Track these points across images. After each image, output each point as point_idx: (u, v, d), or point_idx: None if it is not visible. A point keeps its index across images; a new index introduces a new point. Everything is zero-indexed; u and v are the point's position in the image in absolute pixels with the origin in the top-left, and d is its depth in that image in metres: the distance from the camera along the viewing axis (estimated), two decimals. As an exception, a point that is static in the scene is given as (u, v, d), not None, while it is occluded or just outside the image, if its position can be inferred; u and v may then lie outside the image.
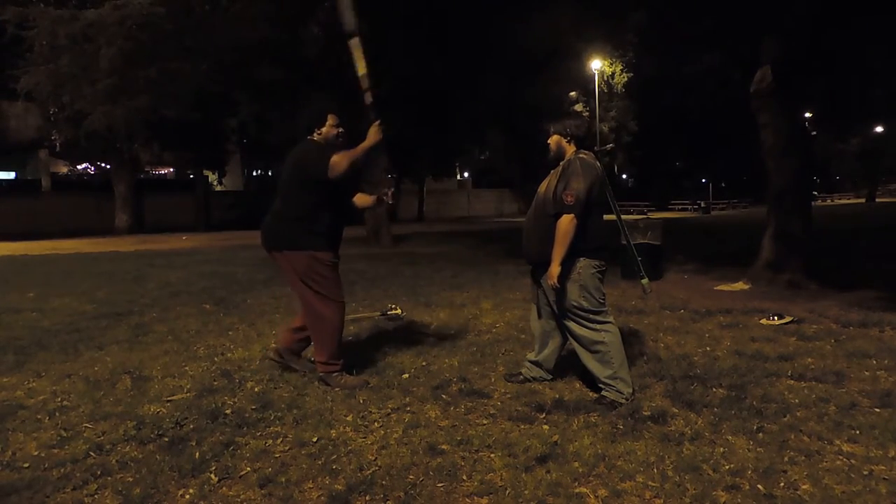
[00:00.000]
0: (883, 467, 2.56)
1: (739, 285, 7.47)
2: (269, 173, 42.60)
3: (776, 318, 5.37)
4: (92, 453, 2.82)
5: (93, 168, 31.89)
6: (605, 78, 30.85)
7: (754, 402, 3.30)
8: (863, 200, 44.28)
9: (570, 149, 3.50)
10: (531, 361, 3.75)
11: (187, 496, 2.44)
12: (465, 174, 47.23)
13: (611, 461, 2.64)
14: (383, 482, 2.51)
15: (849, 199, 51.92)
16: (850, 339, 4.70)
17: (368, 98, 3.66)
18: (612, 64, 29.80)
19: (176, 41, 11.80)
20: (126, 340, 5.09)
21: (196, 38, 11.92)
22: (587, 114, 30.26)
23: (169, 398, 3.56)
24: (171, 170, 35.58)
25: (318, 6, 13.00)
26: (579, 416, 3.16)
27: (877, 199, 43.87)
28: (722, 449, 2.75)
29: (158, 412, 3.34)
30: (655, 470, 2.56)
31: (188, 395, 3.62)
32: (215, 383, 3.82)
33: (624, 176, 50.20)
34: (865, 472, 2.51)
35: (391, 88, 14.08)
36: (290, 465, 2.69)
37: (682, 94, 25.80)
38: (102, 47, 11.22)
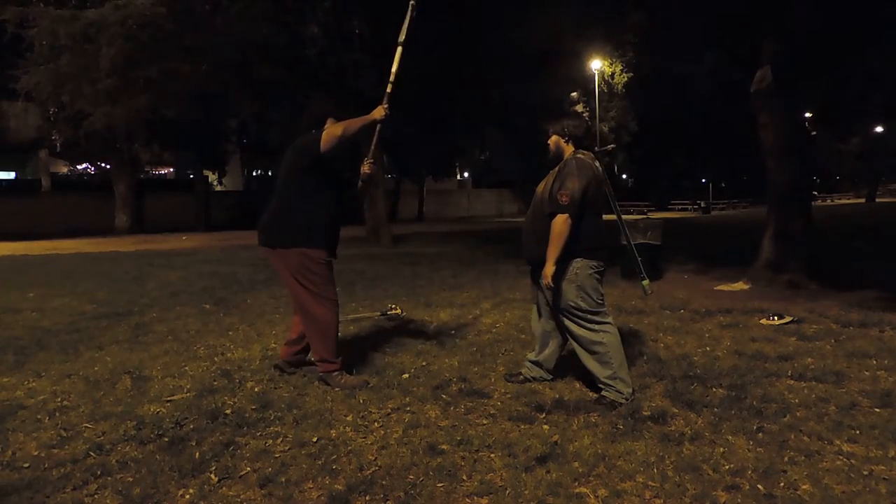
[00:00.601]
0: (883, 467, 2.56)
1: (739, 285, 7.47)
2: (269, 173, 42.57)
3: (776, 318, 5.37)
4: (92, 453, 2.82)
5: (93, 168, 31.90)
6: (605, 78, 30.82)
7: (754, 402, 3.30)
8: (863, 200, 44.28)
9: (569, 149, 3.50)
10: (531, 361, 3.75)
11: (187, 496, 2.44)
12: (465, 174, 47.22)
13: (611, 461, 2.64)
14: (383, 482, 2.51)
15: (849, 199, 51.94)
16: (850, 339, 4.70)
17: (389, 88, 3.76)
18: (612, 64, 29.78)
19: (176, 41, 11.80)
20: (126, 340, 5.09)
21: (196, 38, 11.93)
22: (587, 114, 30.26)
23: (169, 398, 3.56)
24: (171, 170, 35.61)
25: (318, 6, 13.01)
26: (579, 416, 3.16)
27: (877, 199, 43.87)
28: (722, 449, 2.75)
29: (158, 412, 3.34)
30: (655, 470, 2.56)
31: (188, 395, 3.62)
32: (215, 383, 3.82)
33: (624, 176, 50.17)
34: (865, 472, 2.52)
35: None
36: (290, 465, 2.69)
37: (683, 94, 25.78)
38: (103, 47, 11.21)
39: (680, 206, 41.19)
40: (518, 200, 41.10)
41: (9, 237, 20.58)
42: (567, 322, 3.45)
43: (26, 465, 2.74)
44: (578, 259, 3.35)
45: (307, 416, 3.23)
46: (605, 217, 3.57)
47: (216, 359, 4.43)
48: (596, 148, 3.74)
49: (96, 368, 4.23)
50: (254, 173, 42.78)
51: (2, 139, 25.05)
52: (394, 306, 6.07)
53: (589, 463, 2.62)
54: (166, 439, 2.97)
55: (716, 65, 13.11)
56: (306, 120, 3.82)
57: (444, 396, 3.50)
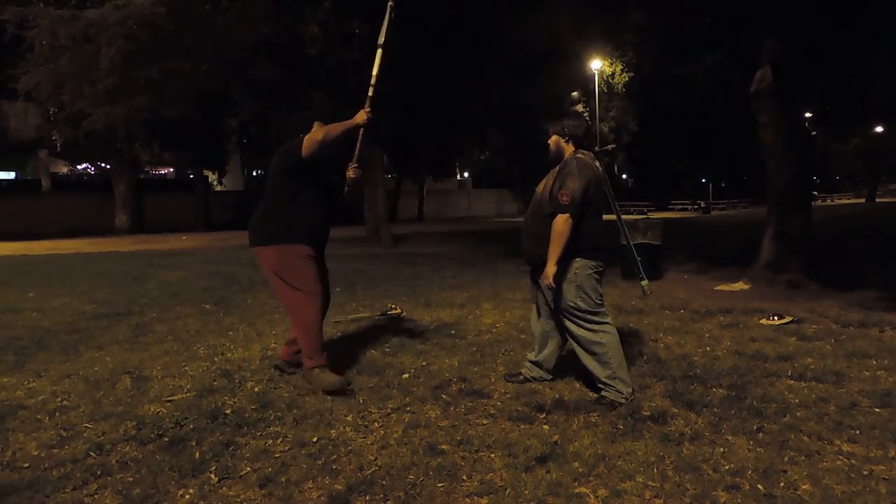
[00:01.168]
0: (883, 467, 2.56)
1: (739, 285, 7.47)
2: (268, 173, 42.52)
3: (776, 318, 5.37)
4: (92, 453, 2.82)
5: (93, 168, 31.89)
6: (605, 78, 30.82)
7: (754, 402, 3.30)
8: (863, 200, 44.28)
9: (569, 149, 3.50)
10: (531, 361, 3.75)
11: (187, 496, 2.44)
12: (465, 174, 47.23)
13: (611, 461, 2.64)
14: (383, 482, 2.51)
15: (849, 199, 51.94)
16: (850, 339, 4.70)
17: (371, 92, 3.75)
18: (612, 64, 29.78)
19: (176, 41, 11.80)
20: (126, 340, 5.09)
21: (196, 38, 11.93)
22: (587, 114, 30.25)
23: (169, 398, 3.56)
24: (171, 170, 35.58)
25: (318, 6, 13.01)
26: (579, 416, 3.16)
27: (877, 199, 43.87)
28: (722, 449, 2.75)
29: (158, 412, 3.33)
30: (655, 470, 2.56)
31: (188, 395, 3.62)
32: (215, 383, 3.82)
33: (624, 176, 50.17)
34: (865, 472, 2.52)
35: (392, 88, 14.09)
36: (290, 465, 2.69)
37: (683, 94, 25.77)
38: (103, 47, 11.21)
39: (680, 206, 41.21)
40: (518, 200, 41.10)
41: (9, 237, 20.58)
42: (566, 322, 3.45)
43: (26, 465, 2.74)
44: (578, 259, 3.35)
45: (307, 416, 3.23)
46: (604, 217, 3.57)
47: (216, 359, 4.43)
48: (596, 148, 3.74)
49: (96, 368, 4.23)
50: (254, 173, 42.77)
51: (2, 139, 25.06)
52: (394, 306, 6.07)
53: (589, 463, 2.62)
54: (166, 439, 2.97)
55: (716, 65, 13.12)
56: (293, 125, 3.85)
57: (444, 396, 3.50)
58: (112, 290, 7.93)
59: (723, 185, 51.25)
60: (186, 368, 4.19)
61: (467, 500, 2.38)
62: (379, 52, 3.83)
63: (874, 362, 4.04)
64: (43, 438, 3.02)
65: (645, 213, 30.07)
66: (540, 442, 2.83)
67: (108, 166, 27.01)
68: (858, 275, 7.77)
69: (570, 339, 3.52)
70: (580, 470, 2.57)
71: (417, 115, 17.69)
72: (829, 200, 49.21)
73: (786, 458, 2.65)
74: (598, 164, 3.48)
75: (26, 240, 19.93)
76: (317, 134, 3.49)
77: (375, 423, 3.13)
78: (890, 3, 6.88)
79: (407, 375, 3.90)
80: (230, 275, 9.34)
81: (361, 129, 3.64)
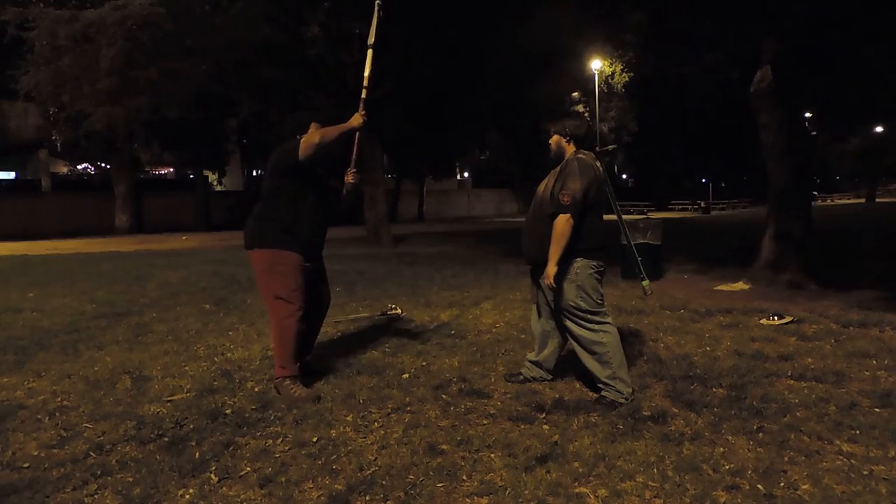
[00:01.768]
0: (883, 467, 2.56)
1: (739, 285, 7.47)
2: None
3: (776, 318, 5.37)
4: (92, 453, 2.82)
5: (93, 168, 31.90)
6: (605, 78, 30.83)
7: (754, 402, 3.30)
8: (863, 200, 44.28)
9: (570, 149, 3.50)
10: (531, 361, 3.75)
11: (187, 496, 2.44)
12: (465, 174, 47.23)
13: (611, 461, 2.64)
14: (383, 482, 2.51)
15: (849, 199, 51.94)
16: (850, 339, 4.70)
17: (364, 94, 3.75)
18: (612, 64, 29.77)
19: (176, 41, 11.81)
20: (126, 340, 5.09)
21: (196, 38, 11.94)
22: (588, 114, 30.26)
23: (169, 398, 3.56)
24: (171, 170, 35.58)
25: (318, 6, 13.01)
26: (579, 416, 3.16)
27: (877, 199, 43.88)
28: (722, 449, 2.75)
29: (158, 412, 3.33)
30: (655, 470, 2.56)
31: (188, 395, 3.62)
32: (215, 383, 3.82)
33: (624, 176, 50.20)
34: (865, 472, 2.52)
35: (392, 88, 14.09)
36: (290, 465, 2.69)
37: (682, 94, 25.79)
38: (103, 48, 11.22)
39: (680, 206, 41.16)
40: (518, 200, 41.10)
41: (9, 237, 20.59)
42: (567, 322, 3.45)
43: (26, 465, 2.74)
44: (579, 259, 3.35)
45: (307, 416, 3.23)
46: (605, 217, 3.57)
47: (216, 359, 4.43)
48: (597, 148, 3.74)
49: (96, 368, 4.23)
50: (254, 173, 42.74)
51: (2, 139, 25.06)
52: (394, 306, 6.07)
53: (589, 463, 2.62)
54: (166, 439, 2.97)
55: (716, 65, 13.11)
56: (290, 125, 3.84)
57: (444, 396, 3.50)
58: (112, 290, 7.93)
59: (723, 185, 51.24)
60: (186, 368, 4.19)
61: (467, 500, 2.38)
62: (369, 52, 3.82)
63: (874, 362, 4.04)
64: (43, 438, 3.02)
65: (645, 213, 30.07)
66: (540, 442, 2.83)
67: (108, 166, 27.02)
68: (858, 275, 7.77)
69: (570, 338, 3.52)
70: (580, 470, 2.57)
71: (417, 115, 17.69)
72: (829, 200, 49.21)
73: (786, 458, 2.65)
74: (598, 164, 3.48)
75: (26, 240, 19.93)
76: (313, 137, 3.47)
77: (375, 423, 3.13)
78: (890, 3, 6.87)
79: (407, 375, 3.90)
80: (230, 275, 9.34)
81: (358, 133, 3.62)
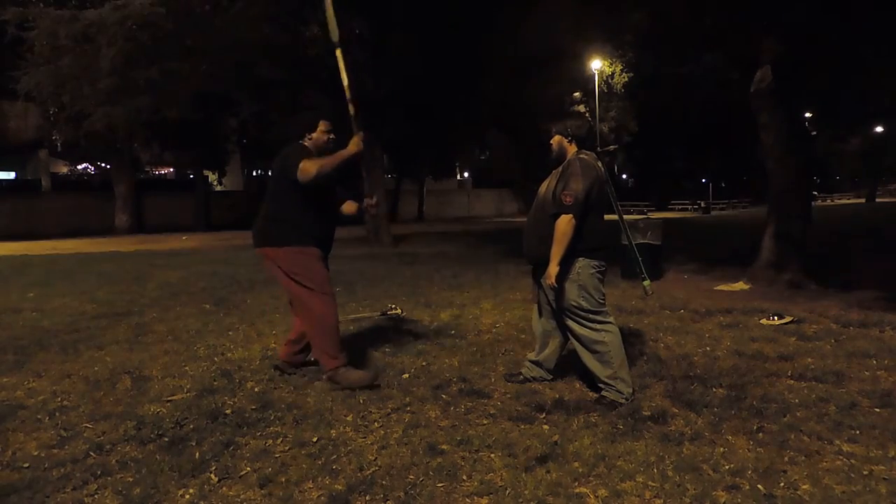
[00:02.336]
0: (883, 467, 2.56)
1: (739, 285, 7.47)
2: (269, 173, 42.51)
3: (776, 318, 5.37)
4: (92, 453, 2.82)
5: (93, 168, 31.89)
6: (605, 78, 30.81)
7: (754, 402, 3.30)
8: (863, 200, 44.26)
9: (572, 149, 3.51)
10: (531, 361, 3.76)
11: (187, 496, 2.44)
12: (465, 174, 47.20)
13: (611, 461, 2.64)
14: (383, 482, 2.51)
15: (849, 199, 51.91)
16: (850, 339, 4.70)
17: (352, 108, 3.72)
18: (612, 64, 29.76)
19: (176, 41, 11.79)
20: (126, 340, 5.09)
21: (196, 38, 11.92)
22: (588, 114, 30.25)
23: (169, 398, 3.56)
24: (171, 170, 35.57)
25: (318, 6, 12.99)
26: (579, 416, 3.16)
27: (877, 199, 43.86)
28: (722, 449, 2.75)
29: (158, 412, 3.33)
30: (655, 470, 2.56)
31: (188, 395, 3.62)
32: (215, 383, 3.82)
33: (624, 176, 50.18)
34: (865, 472, 2.52)
35: (392, 88, 14.08)
36: (290, 465, 2.69)
37: (682, 94, 25.75)
38: (103, 47, 11.20)
39: (680, 206, 41.16)
40: (518, 200, 41.07)
41: (9, 237, 20.59)
42: (569, 321, 3.45)
43: (26, 465, 2.74)
44: (581, 259, 3.36)
45: (307, 416, 3.23)
46: (606, 217, 3.58)
47: (216, 359, 4.43)
48: (598, 148, 3.74)
49: (96, 368, 4.23)
50: (254, 173, 42.74)
51: (2, 139, 25.05)
52: (394, 306, 6.07)
53: (589, 463, 2.62)
54: (166, 439, 2.97)
55: (716, 65, 13.12)
56: (296, 124, 3.83)
57: (444, 396, 3.50)
58: (112, 290, 7.93)
59: (723, 185, 51.22)
60: (186, 368, 4.19)
61: (467, 500, 2.38)
62: (339, 52, 3.76)
63: (874, 362, 4.04)
64: (43, 438, 3.02)
65: (645, 213, 30.05)
66: (540, 442, 2.83)
67: (108, 166, 27.01)
68: (858, 275, 7.77)
69: (572, 338, 3.52)
70: (580, 470, 2.57)
71: (417, 114, 17.68)
72: (829, 200, 49.18)
73: (786, 458, 2.65)
74: (600, 164, 3.48)
75: (26, 240, 19.93)
76: (311, 168, 3.45)
77: (375, 423, 3.13)
78: (890, 2, 6.87)
79: (407, 375, 3.90)
80: (230, 275, 9.34)
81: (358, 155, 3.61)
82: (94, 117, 13.58)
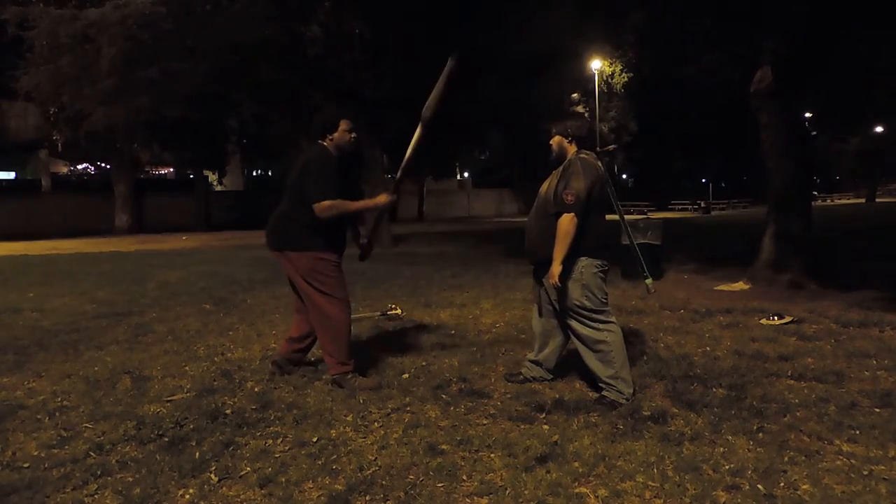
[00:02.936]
0: (883, 467, 2.56)
1: (739, 285, 7.47)
2: (269, 173, 42.58)
3: (776, 318, 5.37)
4: (92, 453, 2.82)
5: (93, 168, 31.89)
6: (605, 78, 30.83)
7: (754, 402, 3.30)
8: (863, 200, 44.25)
9: (572, 149, 3.53)
10: (531, 361, 3.76)
11: (187, 496, 2.44)
12: (465, 174, 47.21)
13: (611, 461, 2.64)
14: (383, 482, 2.51)
15: (849, 199, 51.90)
16: (850, 339, 4.70)
17: (400, 173, 3.89)
18: (612, 64, 29.78)
19: (176, 41, 11.79)
20: (126, 340, 5.09)
21: (196, 38, 11.92)
22: (587, 114, 30.24)
23: (169, 398, 3.56)
24: (171, 170, 35.58)
25: (318, 6, 13.01)
26: (579, 416, 3.16)
27: (877, 199, 43.85)
28: (722, 449, 2.75)
29: (158, 412, 3.34)
30: (655, 470, 2.56)
31: (188, 395, 3.62)
32: (215, 383, 3.83)
33: (624, 176, 50.16)
34: (865, 472, 2.51)
35: (392, 88, 14.08)
36: (290, 465, 2.69)
37: (682, 94, 25.78)
38: (103, 47, 11.21)
39: (680, 206, 41.12)
40: (518, 200, 41.07)
41: (9, 237, 20.59)
42: (571, 321, 3.46)
43: (26, 465, 2.74)
44: (583, 258, 3.37)
45: (307, 416, 3.23)
46: (607, 217, 3.58)
47: (216, 359, 4.43)
48: (598, 148, 3.76)
49: (96, 368, 4.23)
50: (254, 173, 42.78)
51: (2, 139, 25.07)
52: (394, 306, 6.07)
53: (589, 463, 2.62)
54: (166, 439, 2.97)
55: (716, 65, 13.10)
56: (316, 126, 3.79)
57: (444, 396, 3.50)
58: (112, 290, 7.94)
59: (723, 185, 51.23)
60: (186, 368, 4.19)
61: (467, 500, 2.38)
62: (420, 128, 3.88)
63: (874, 362, 4.04)
64: (43, 438, 3.02)
65: (645, 213, 30.06)
66: (540, 442, 2.83)
67: (108, 166, 27.01)
68: (858, 275, 7.77)
69: (574, 337, 3.52)
70: (580, 470, 2.57)
71: (417, 115, 17.69)
72: (829, 200, 49.14)
73: (786, 458, 2.65)
74: (600, 163, 3.50)
75: (26, 240, 19.93)
76: (329, 210, 3.51)
77: (375, 423, 3.13)
78: (890, 3, 6.87)
79: (407, 375, 3.90)
80: (230, 275, 9.34)
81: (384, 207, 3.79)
82: (94, 117, 13.57)
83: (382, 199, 3.72)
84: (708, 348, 4.48)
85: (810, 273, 7.32)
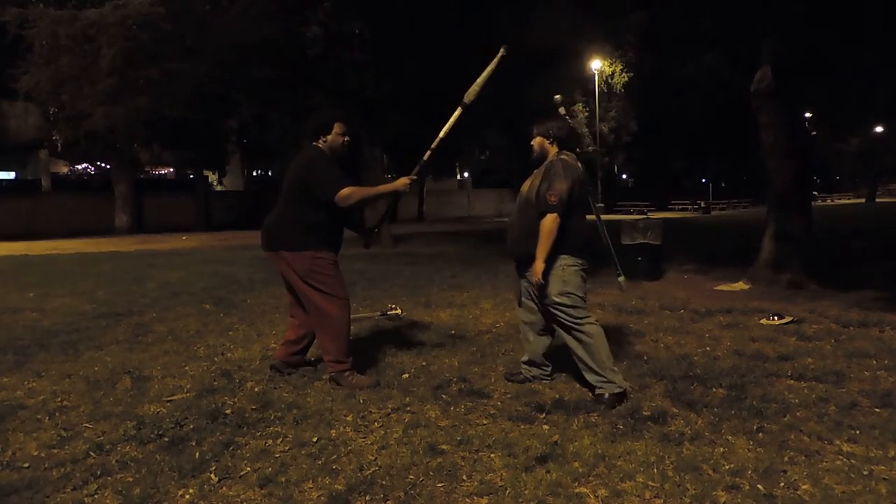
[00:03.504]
0: (883, 467, 2.56)
1: (739, 285, 7.47)
2: (269, 173, 42.57)
3: (776, 318, 5.37)
4: (92, 453, 2.82)
5: (93, 168, 31.87)
6: (605, 78, 30.82)
7: (754, 402, 3.30)
8: (863, 200, 44.25)
9: (553, 150, 3.63)
10: (524, 362, 3.81)
11: (187, 496, 2.44)
12: (465, 174, 47.20)
13: (611, 461, 2.64)
14: (383, 482, 2.51)
15: (849, 199, 51.91)
16: (850, 339, 4.70)
17: (427, 156, 3.88)
18: (612, 64, 29.77)
19: (176, 41, 11.80)
20: (126, 340, 5.09)
21: (196, 38, 11.92)
22: (587, 114, 30.23)
23: (169, 398, 3.56)
24: (171, 170, 35.57)
25: (318, 6, 13.00)
26: (579, 416, 3.16)
27: (877, 199, 43.84)
28: (722, 449, 2.75)
29: (158, 412, 3.34)
30: (655, 470, 2.56)
31: (188, 395, 3.62)
32: (215, 383, 3.83)
33: (624, 176, 50.17)
34: (865, 472, 2.51)
35: (391, 88, 14.07)
36: (290, 465, 2.69)
37: (682, 94, 25.73)
38: (103, 47, 11.21)
39: (680, 206, 41.11)
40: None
41: (9, 237, 20.59)
42: (553, 314, 3.53)
43: (26, 465, 2.74)
44: (565, 256, 3.46)
45: (307, 416, 3.23)
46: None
47: (216, 359, 4.43)
48: (578, 150, 3.83)
49: (96, 368, 4.23)
50: (254, 173, 42.74)
51: (2, 139, 25.04)
52: (394, 306, 6.07)
53: (589, 463, 2.62)
54: (166, 439, 2.97)
55: (716, 65, 13.10)
56: (311, 126, 3.80)
57: (444, 396, 3.50)
58: (112, 290, 7.93)
59: (723, 185, 51.23)
60: (186, 368, 4.19)
61: (467, 500, 2.38)
62: (459, 109, 3.91)
63: (874, 362, 4.04)
64: (43, 438, 3.02)
65: (645, 213, 30.06)
66: (540, 442, 2.83)
67: (108, 166, 27.00)
68: (858, 275, 7.77)
69: (560, 330, 3.57)
70: (580, 470, 2.57)
71: (417, 115, 17.68)
72: (829, 200, 49.14)
73: (786, 458, 2.65)
74: (580, 164, 3.57)
75: (26, 240, 19.93)
76: (351, 198, 3.52)
77: (375, 423, 3.13)
78: (890, 3, 6.87)
79: (407, 375, 3.90)
80: (230, 275, 9.34)
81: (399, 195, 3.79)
82: (94, 117, 13.57)
83: (402, 182, 3.69)
84: (708, 348, 4.48)
85: (810, 273, 7.32)
